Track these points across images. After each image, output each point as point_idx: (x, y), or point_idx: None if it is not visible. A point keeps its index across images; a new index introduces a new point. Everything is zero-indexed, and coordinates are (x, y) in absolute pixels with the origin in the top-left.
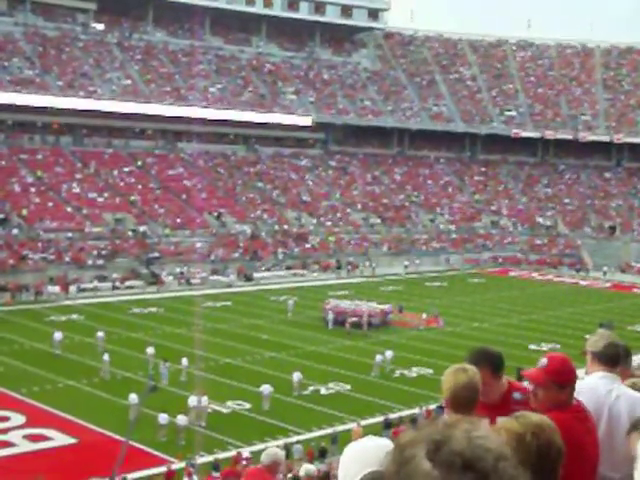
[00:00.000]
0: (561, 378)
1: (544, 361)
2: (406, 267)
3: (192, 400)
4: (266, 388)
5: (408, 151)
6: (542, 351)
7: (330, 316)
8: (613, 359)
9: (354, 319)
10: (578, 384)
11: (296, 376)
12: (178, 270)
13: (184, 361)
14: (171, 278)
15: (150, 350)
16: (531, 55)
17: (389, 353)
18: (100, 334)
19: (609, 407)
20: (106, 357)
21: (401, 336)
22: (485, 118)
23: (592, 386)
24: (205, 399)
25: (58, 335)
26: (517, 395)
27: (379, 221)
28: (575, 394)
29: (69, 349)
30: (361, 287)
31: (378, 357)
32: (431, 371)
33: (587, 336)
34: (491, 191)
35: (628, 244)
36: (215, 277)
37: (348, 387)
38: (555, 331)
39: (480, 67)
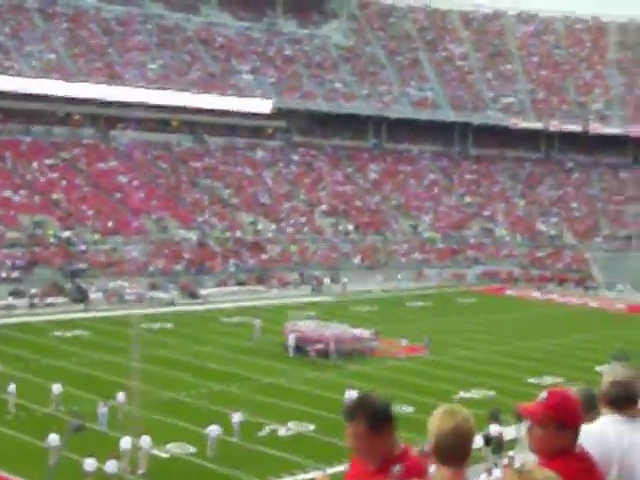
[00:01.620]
0: (562, 416)
1: (544, 395)
2: (379, 283)
3: (125, 442)
4: (213, 430)
5: (386, 144)
6: (543, 386)
7: (291, 342)
8: (620, 399)
9: (320, 346)
10: (583, 428)
11: (236, 417)
12: (109, 285)
13: (120, 396)
14: (101, 294)
15: (56, 388)
16: (534, 30)
17: (351, 395)
18: (11, 387)
19: (620, 457)
20: (12, 388)
21: (377, 366)
22: (478, 105)
23: (599, 431)
24: (147, 440)
25: None
26: (397, 468)
27: (351, 228)
28: (580, 440)
29: None
30: (329, 307)
31: (348, 393)
32: (412, 409)
33: (598, 368)
34: (484, 193)
35: None
36: (154, 293)
37: (312, 427)
38: (559, 362)
39: (473, 44)
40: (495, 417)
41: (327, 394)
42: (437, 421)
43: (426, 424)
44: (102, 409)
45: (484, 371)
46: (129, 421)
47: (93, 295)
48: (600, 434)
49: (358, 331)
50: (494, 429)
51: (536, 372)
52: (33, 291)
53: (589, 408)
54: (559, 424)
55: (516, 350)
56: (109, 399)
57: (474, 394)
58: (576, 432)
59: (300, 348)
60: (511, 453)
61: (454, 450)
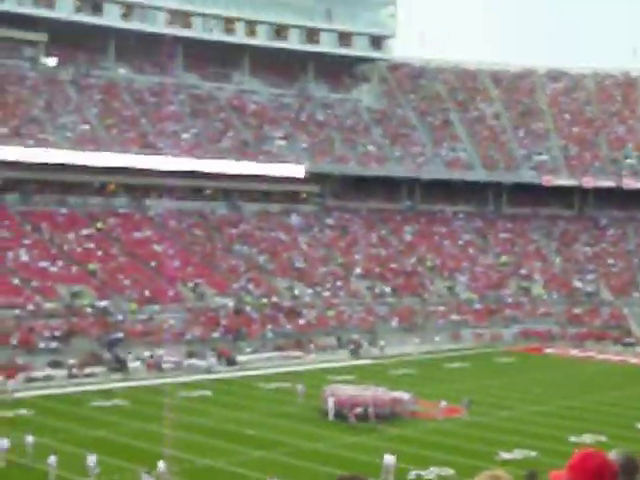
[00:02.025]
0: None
1: (573, 459)
2: (417, 345)
3: None
4: None
5: (420, 205)
6: (585, 444)
7: (330, 405)
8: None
9: (359, 409)
10: None
11: None
12: (147, 354)
13: (161, 465)
14: (139, 363)
15: (161, 465)
16: (564, 87)
17: (389, 459)
18: (52, 459)
19: None
20: (52, 460)
21: (416, 429)
22: (511, 164)
23: None
24: None
25: (3, 443)
26: None
27: (387, 290)
28: None
29: (17, 453)
30: (367, 370)
31: (387, 458)
32: (452, 471)
33: (639, 425)
34: (520, 252)
35: None
36: (191, 361)
37: None
38: (600, 419)
39: (504, 103)
40: (532, 478)
41: (367, 458)
42: None
43: None
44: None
45: (524, 431)
46: None
47: (131, 364)
48: None
49: (397, 394)
50: None
51: (577, 430)
52: (71, 361)
53: (628, 473)
54: None
55: (556, 409)
56: (152, 469)
57: (515, 455)
58: None
59: (339, 412)
60: None
61: None
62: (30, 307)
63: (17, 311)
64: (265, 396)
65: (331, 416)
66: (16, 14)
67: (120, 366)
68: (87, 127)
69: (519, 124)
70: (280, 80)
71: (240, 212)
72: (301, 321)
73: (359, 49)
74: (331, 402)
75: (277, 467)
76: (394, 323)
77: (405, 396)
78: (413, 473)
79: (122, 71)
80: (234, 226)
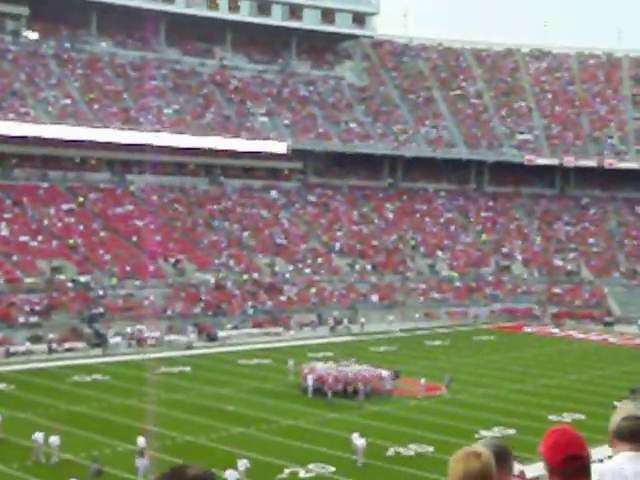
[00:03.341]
0: (548, 457)
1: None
2: (391, 322)
3: None
4: (231, 474)
5: (402, 183)
6: (563, 423)
7: (310, 382)
8: (634, 434)
9: (339, 387)
10: (599, 467)
11: (242, 464)
12: (127, 329)
13: (141, 440)
14: (119, 339)
15: (141, 441)
16: (547, 67)
17: (357, 440)
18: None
19: None
20: (39, 436)
21: (396, 407)
22: (493, 142)
23: (616, 469)
24: None
25: None
26: None
27: (368, 267)
28: (597, 478)
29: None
30: (348, 347)
31: (355, 438)
32: (431, 448)
33: (617, 404)
34: (501, 230)
35: None
36: (172, 337)
37: (332, 469)
38: (579, 398)
39: (487, 82)
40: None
41: (347, 435)
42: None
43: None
44: (140, 461)
45: (504, 409)
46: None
47: (111, 339)
48: (616, 471)
49: (378, 371)
50: (515, 468)
51: (556, 409)
52: (51, 336)
53: (499, 463)
54: (550, 467)
55: (535, 387)
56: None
57: (495, 433)
58: (557, 472)
59: (319, 390)
60: None
61: None
62: (10, 282)
63: None
64: (245, 372)
65: (310, 393)
66: None
67: (100, 341)
68: (69, 101)
69: (502, 103)
70: (263, 56)
71: (222, 188)
72: (282, 298)
73: (342, 26)
74: (310, 379)
75: (257, 443)
76: (374, 300)
77: (384, 373)
78: (392, 450)
79: (104, 45)
80: (215, 202)
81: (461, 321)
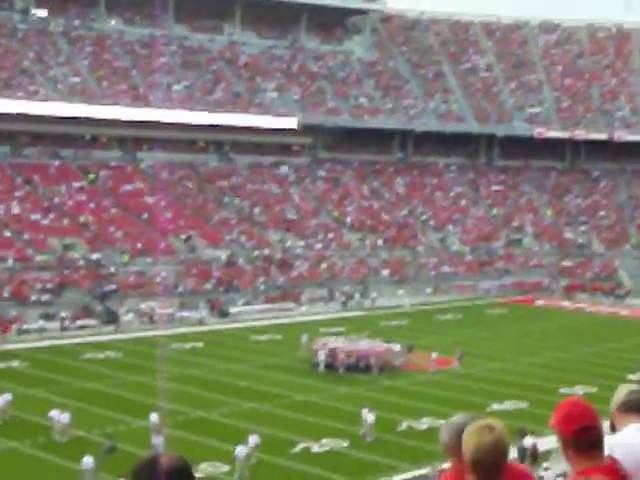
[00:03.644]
0: (561, 428)
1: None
2: (401, 296)
3: None
4: (240, 450)
5: (412, 157)
6: (577, 395)
7: (321, 357)
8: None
9: (351, 361)
10: (610, 439)
11: (252, 440)
12: (139, 306)
13: (154, 417)
14: (131, 315)
15: (154, 417)
16: (556, 39)
17: (367, 415)
18: (154, 416)
19: None
20: (64, 417)
21: (408, 381)
22: (503, 116)
23: (627, 440)
24: None
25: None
26: None
27: (379, 242)
28: (608, 451)
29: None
30: (359, 322)
31: (365, 413)
32: (443, 422)
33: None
34: (512, 204)
35: None
36: (184, 313)
37: (345, 444)
38: (591, 371)
39: (496, 55)
40: (522, 435)
41: (359, 410)
42: (475, 437)
43: None
44: (156, 439)
45: (516, 382)
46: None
47: (123, 317)
48: (628, 443)
49: (389, 345)
50: (528, 441)
51: (568, 382)
52: (63, 314)
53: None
54: (564, 438)
55: (547, 360)
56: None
57: (506, 406)
58: (570, 443)
59: (331, 364)
60: (546, 464)
61: (493, 466)
62: (22, 260)
63: (9, 264)
64: (257, 348)
65: (322, 368)
66: None
67: (112, 318)
68: (78, 79)
69: (511, 76)
70: (272, 32)
71: (232, 164)
72: (293, 273)
73: (351, 0)
74: (322, 354)
75: (269, 418)
76: (385, 275)
77: (396, 347)
78: (404, 424)
79: (113, 23)
80: (226, 178)
81: (472, 295)
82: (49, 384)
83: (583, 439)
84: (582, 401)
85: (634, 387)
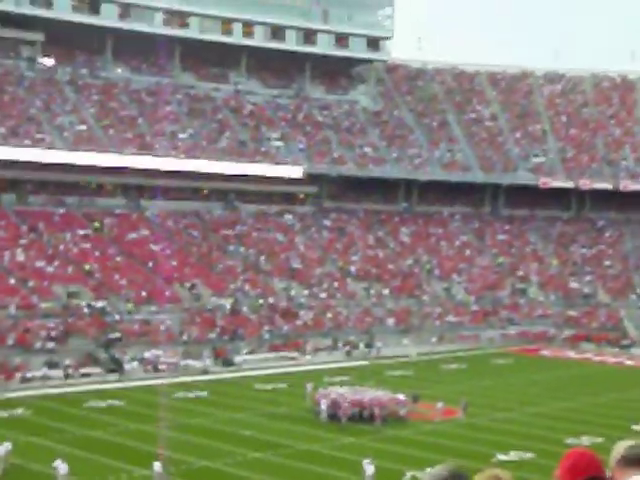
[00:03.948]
0: (571, 479)
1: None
2: (406, 346)
3: None
4: None
5: (417, 207)
6: (583, 446)
7: (323, 407)
8: None
9: (354, 411)
10: None
11: None
12: (144, 354)
13: (157, 466)
14: (135, 364)
15: (157, 466)
16: (561, 89)
17: (368, 467)
18: (157, 465)
19: None
20: (62, 467)
21: (413, 431)
22: (508, 166)
23: None
24: None
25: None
26: None
27: (384, 292)
28: None
29: (13, 453)
30: (364, 372)
31: (366, 465)
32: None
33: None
34: (517, 253)
35: None
36: (188, 362)
37: None
38: (596, 421)
39: (501, 104)
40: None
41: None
42: None
43: None
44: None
45: (521, 433)
46: None
47: (127, 365)
48: None
49: (394, 396)
50: None
51: (574, 432)
52: (67, 362)
53: None
54: None
55: (553, 411)
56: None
57: (512, 456)
58: None
59: (334, 414)
60: None
61: None
62: (26, 307)
63: (13, 311)
64: (261, 397)
65: (323, 418)
66: (14, 14)
67: (116, 366)
68: (84, 127)
69: (516, 126)
70: (277, 81)
71: (237, 213)
72: (297, 322)
73: (356, 50)
74: (323, 404)
75: (274, 468)
76: (391, 324)
77: (400, 397)
78: (409, 474)
79: (119, 71)
80: (231, 227)
81: (476, 345)
82: (52, 432)
83: None
84: (588, 452)
85: (632, 442)
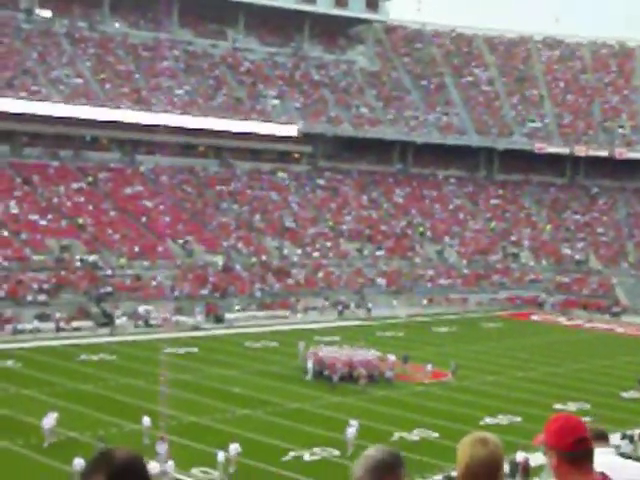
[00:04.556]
0: (547, 439)
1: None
2: (394, 307)
3: (153, 467)
4: (220, 456)
5: (412, 169)
6: (569, 411)
7: (309, 365)
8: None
9: (343, 371)
10: (606, 460)
11: (233, 448)
12: (136, 309)
13: (146, 420)
14: (126, 318)
15: (146, 420)
16: (559, 55)
17: (353, 424)
18: (146, 419)
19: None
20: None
21: (402, 392)
22: (504, 130)
23: (607, 460)
24: (171, 464)
25: None
26: None
27: (376, 252)
28: (609, 471)
29: (1, 403)
30: (354, 332)
31: (349, 430)
32: (436, 434)
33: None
34: (510, 218)
35: None
36: (179, 318)
37: (336, 452)
38: (585, 388)
39: (499, 69)
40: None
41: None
42: (469, 449)
43: (451, 450)
44: (160, 446)
45: (510, 397)
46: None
47: (118, 320)
48: (610, 462)
49: (384, 356)
50: (520, 455)
51: (562, 398)
52: (59, 315)
53: (385, 471)
54: (549, 447)
55: (542, 376)
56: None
57: (500, 420)
58: (567, 456)
59: (320, 373)
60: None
61: (487, 478)
62: (19, 259)
63: (5, 263)
64: (252, 354)
65: (309, 376)
66: None
67: (107, 321)
68: (80, 81)
69: (513, 90)
70: (275, 39)
71: (231, 170)
72: (289, 281)
73: (355, 10)
74: (310, 362)
75: (262, 425)
76: (382, 285)
77: (390, 358)
78: (396, 435)
79: (117, 25)
80: (225, 184)
81: (467, 308)
82: (42, 385)
83: (579, 451)
84: (572, 415)
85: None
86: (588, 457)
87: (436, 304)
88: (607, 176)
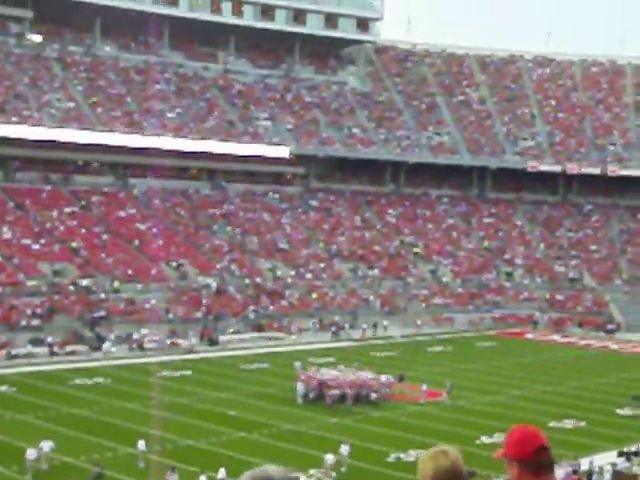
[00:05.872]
0: (506, 449)
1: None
2: (386, 327)
3: None
4: (221, 472)
5: (404, 188)
6: (565, 429)
7: (300, 387)
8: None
9: (336, 392)
10: None
11: (221, 474)
12: (129, 333)
13: (141, 444)
14: (110, 344)
15: (141, 444)
16: (550, 73)
17: (344, 448)
18: (141, 443)
19: None
20: (47, 445)
21: (397, 412)
22: (496, 149)
23: None
24: None
25: None
26: None
27: (370, 273)
28: None
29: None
30: (349, 352)
31: (328, 456)
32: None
33: (619, 411)
34: (503, 236)
35: None
36: (173, 341)
37: (333, 474)
38: (580, 405)
39: (490, 88)
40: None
41: (347, 440)
42: (432, 462)
43: None
44: (171, 478)
45: (505, 415)
46: (151, 468)
47: (104, 344)
48: None
49: (378, 376)
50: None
51: (557, 416)
52: (52, 339)
53: None
54: (510, 458)
55: (537, 394)
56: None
57: (496, 439)
58: (529, 466)
59: (314, 395)
60: None
61: None
62: (12, 285)
63: None
64: (246, 377)
65: (299, 400)
66: None
67: (101, 344)
68: (72, 105)
69: (505, 109)
70: (266, 61)
71: (224, 192)
72: (283, 302)
73: (345, 31)
74: (300, 385)
75: (258, 448)
76: (376, 306)
77: (383, 378)
78: (393, 456)
79: (108, 49)
80: (218, 206)
81: (462, 327)
82: (37, 410)
83: (541, 459)
84: (531, 426)
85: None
86: (549, 466)
87: (430, 324)
88: (599, 193)
